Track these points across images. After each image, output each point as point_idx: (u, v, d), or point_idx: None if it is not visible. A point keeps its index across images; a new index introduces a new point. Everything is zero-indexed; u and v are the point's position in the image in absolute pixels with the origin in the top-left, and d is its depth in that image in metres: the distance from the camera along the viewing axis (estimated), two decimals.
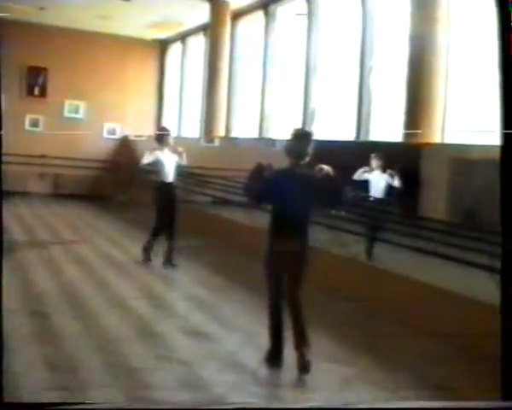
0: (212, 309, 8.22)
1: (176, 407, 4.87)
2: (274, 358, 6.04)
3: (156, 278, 9.90)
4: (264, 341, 6.31)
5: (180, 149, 10.30)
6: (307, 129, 6.30)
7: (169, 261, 10.24)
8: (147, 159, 10.22)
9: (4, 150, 16.09)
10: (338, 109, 14.11)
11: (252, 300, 8.73)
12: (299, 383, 5.80)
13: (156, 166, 10.24)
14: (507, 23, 4.17)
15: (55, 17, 19.29)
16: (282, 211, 5.92)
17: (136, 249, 10.80)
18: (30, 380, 5.39)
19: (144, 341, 6.71)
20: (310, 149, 5.95)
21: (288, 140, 6.08)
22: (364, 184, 10.61)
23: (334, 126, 14.18)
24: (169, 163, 10.18)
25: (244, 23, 17.60)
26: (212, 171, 14.95)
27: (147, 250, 10.43)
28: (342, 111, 13.91)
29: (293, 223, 5.87)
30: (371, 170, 10.52)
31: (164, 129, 10.76)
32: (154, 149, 10.21)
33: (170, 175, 10.21)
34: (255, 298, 8.82)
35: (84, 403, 4.50)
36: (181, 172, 12.77)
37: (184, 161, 10.37)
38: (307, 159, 5.94)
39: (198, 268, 10.76)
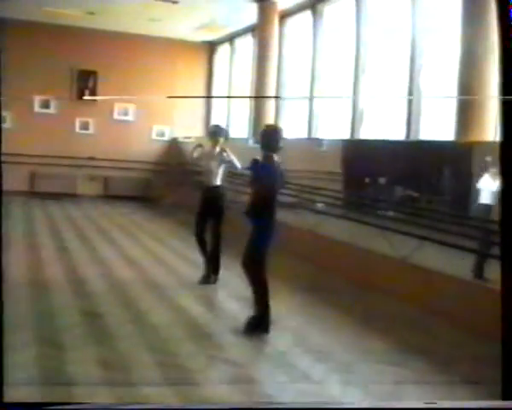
0: None
1: (175, 406, 4.85)
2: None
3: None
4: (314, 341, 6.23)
5: (225, 154, 9.40)
6: (276, 125, 7.39)
7: (207, 276, 9.39)
8: (196, 153, 9.58)
9: (55, 153, 16.46)
10: (387, 108, 13.97)
11: (299, 298, 8.72)
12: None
13: (201, 167, 9.67)
14: (507, 23, 4.13)
15: (105, 21, 19.53)
16: (260, 191, 7.14)
17: (186, 251, 10.83)
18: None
19: (195, 341, 6.73)
20: (279, 143, 7.14)
21: (260, 135, 7.31)
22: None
23: (383, 126, 14.05)
24: (211, 165, 9.37)
25: (292, 23, 17.56)
26: None
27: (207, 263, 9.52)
28: (391, 110, 13.77)
29: (268, 198, 7.15)
30: (483, 175, 9.39)
31: (220, 128, 9.84)
32: (202, 146, 9.66)
33: (214, 177, 9.41)
34: (303, 297, 8.83)
35: (84, 403, 4.51)
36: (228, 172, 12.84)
37: (235, 166, 9.54)
38: (277, 151, 7.13)
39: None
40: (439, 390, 5.75)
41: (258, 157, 7.22)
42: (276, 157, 7.15)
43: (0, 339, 3.79)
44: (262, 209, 7.09)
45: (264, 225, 7.10)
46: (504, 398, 4.05)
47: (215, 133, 9.55)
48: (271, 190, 7.15)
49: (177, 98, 21.39)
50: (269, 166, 7.11)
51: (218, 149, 9.45)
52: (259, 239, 7.09)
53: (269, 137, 7.18)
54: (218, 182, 9.45)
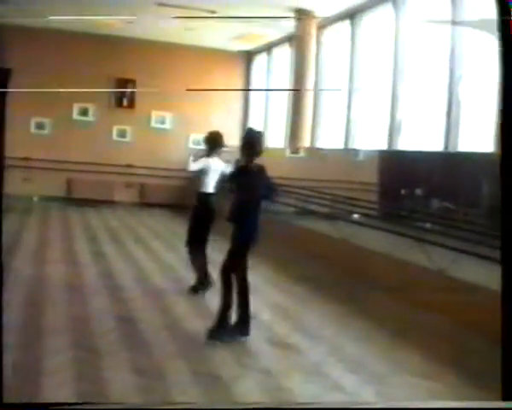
0: (296, 319, 8.18)
1: (174, 407, 4.84)
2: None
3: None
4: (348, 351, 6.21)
5: (228, 159, 9.10)
6: (256, 130, 7.13)
7: (196, 287, 9.15)
8: (194, 166, 9.04)
9: (92, 160, 16.57)
10: (425, 119, 13.86)
11: (334, 309, 8.68)
12: None
13: (200, 174, 9.14)
14: (507, 23, 4.09)
15: (143, 30, 19.71)
16: (239, 196, 7.12)
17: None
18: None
19: (228, 349, 6.73)
20: (258, 148, 7.01)
21: (241, 140, 7.13)
22: None
23: (421, 136, 13.95)
24: (214, 172, 9.01)
25: (329, 32, 17.55)
26: (296, 181, 14.91)
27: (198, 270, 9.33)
28: (430, 120, 13.66)
29: (247, 205, 7.03)
30: None
31: (218, 134, 9.38)
32: (202, 155, 9.23)
33: (211, 185, 9.09)
34: (340, 309, 8.78)
35: (83, 403, 4.51)
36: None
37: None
38: (258, 155, 7.03)
39: (280, 277, 10.74)
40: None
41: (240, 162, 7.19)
42: (257, 162, 7.06)
43: (0, 339, 3.80)
44: (242, 215, 7.00)
45: (245, 231, 7.02)
46: (504, 398, 4.00)
47: (215, 142, 9.24)
48: (250, 196, 7.02)
49: (213, 107, 21.48)
50: (247, 172, 7.04)
51: (219, 157, 9.21)
52: (239, 243, 7.06)
53: (249, 142, 7.05)
54: (211, 189, 9.18)
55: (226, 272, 7.01)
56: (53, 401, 4.82)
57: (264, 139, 7.17)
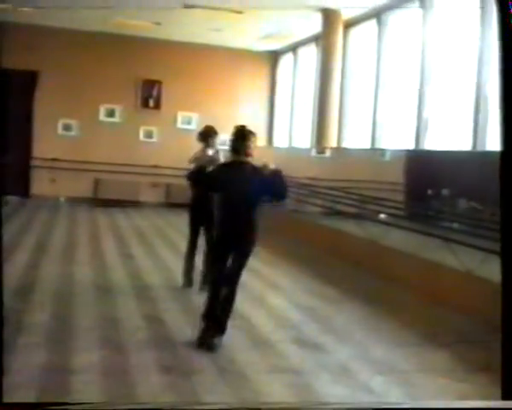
0: (324, 320, 8.16)
1: (173, 407, 4.83)
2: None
3: (264, 285, 9.89)
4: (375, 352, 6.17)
5: (220, 149, 9.12)
6: (246, 127, 6.80)
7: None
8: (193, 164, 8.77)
9: (119, 161, 16.62)
10: (453, 118, 13.77)
11: (363, 310, 8.65)
12: None
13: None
14: (507, 23, 4.05)
15: (170, 31, 19.80)
16: (227, 198, 6.69)
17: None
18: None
19: (257, 349, 6.73)
20: (249, 146, 6.66)
21: (230, 138, 6.81)
22: None
23: (448, 136, 13.85)
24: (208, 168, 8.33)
25: (356, 32, 17.49)
26: (322, 181, 14.89)
27: (187, 274, 9.30)
28: (457, 120, 13.56)
29: (237, 209, 6.58)
30: None
31: (210, 128, 9.35)
32: (199, 155, 9.20)
33: None
34: (367, 308, 8.75)
35: (83, 403, 4.52)
36: (291, 182, 12.72)
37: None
38: (248, 154, 6.67)
39: (307, 277, 10.73)
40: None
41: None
42: (248, 161, 6.67)
43: (0, 339, 3.83)
44: (234, 225, 6.60)
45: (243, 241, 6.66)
46: (504, 398, 3.96)
47: (207, 136, 9.27)
48: (238, 198, 6.57)
49: (239, 108, 21.50)
50: (232, 171, 6.66)
51: (210, 151, 9.18)
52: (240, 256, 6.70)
53: (237, 140, 6.71)
54: None
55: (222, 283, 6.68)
56: (53, 400, 4.86)
57: (254, 138, 6.72)
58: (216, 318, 6.65)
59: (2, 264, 4.02)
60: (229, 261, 6.70)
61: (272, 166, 6.68)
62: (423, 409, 4.43)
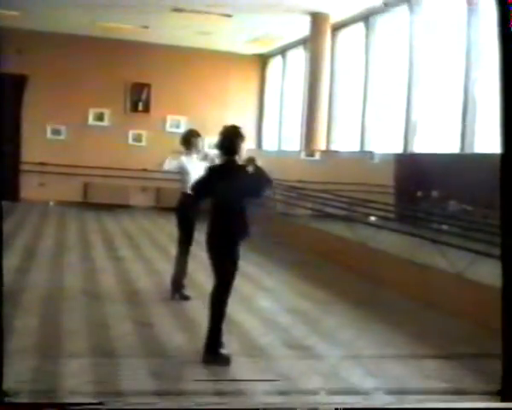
0: (315, 323, 8.15)
1: (173, 407, 4.82)
2: None
3: (256, 289, 9.87)
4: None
5: (210, 152, 8.86)
6: (234, 127, 6.60)
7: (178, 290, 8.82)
8: (168, 165, 8.99)
9: (108, 164, 16.47)
10: (441, 121, 13.81)
11: (353, 312, 8.65)
12: None
13: (180, 174, 8.98)
14: (507, 23, 4.08)
15: (159, 35, 19.79)
16: (219, 200, 6.52)
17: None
18: None
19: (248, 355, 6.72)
20: (238, 145, 6.47)
21: (218, 138, 6.58)
22: None
23: (436, 138, 13.90)
24: (196, 171, 8.13)
25: (344, 35, 17.54)
26: (311, 184, 14.90)
27: (176, 282, 8.97)
28: (445, 123, 13.61)
29: (229, 210, 6.48)
30: None
31: (192, 132, 9.18)
32: (179, 155, 9.04)
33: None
34: (357, 311, 8.75)
35: (83, 403, 4.51)
36: (280, 185, 12.79)
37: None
38: (237, 154, 6.46)
39: (299, 281, 10.72)
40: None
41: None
42: (238, 161, 6.50)
43: (0, 339, 3.82)
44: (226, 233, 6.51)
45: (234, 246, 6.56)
46: (504, 399, 3.97)
47: (190, 140, 9.11)
48: (231, 199, 6.44)
49: (228, 111, 21.48)
50: (224, 173, 6.50)
51: (198, 155, 9.10)
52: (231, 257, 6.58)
53: (227, 140, 6.50)
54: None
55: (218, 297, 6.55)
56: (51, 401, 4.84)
57: (243, 137, 6.54)
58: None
59: (2, 266, 4.02)
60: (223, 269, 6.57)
61: (259, 162, 6.62)
62: (423, 409, 4.44)
